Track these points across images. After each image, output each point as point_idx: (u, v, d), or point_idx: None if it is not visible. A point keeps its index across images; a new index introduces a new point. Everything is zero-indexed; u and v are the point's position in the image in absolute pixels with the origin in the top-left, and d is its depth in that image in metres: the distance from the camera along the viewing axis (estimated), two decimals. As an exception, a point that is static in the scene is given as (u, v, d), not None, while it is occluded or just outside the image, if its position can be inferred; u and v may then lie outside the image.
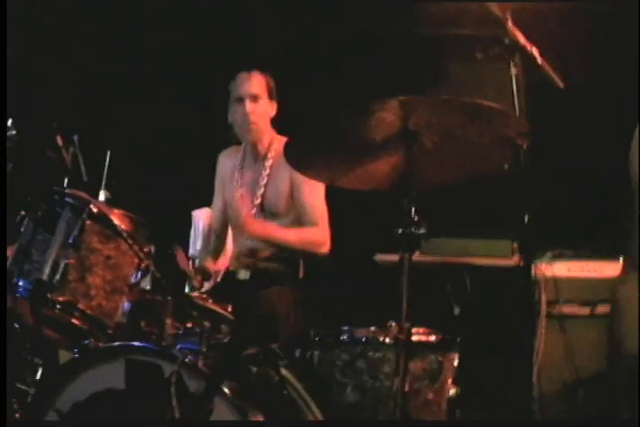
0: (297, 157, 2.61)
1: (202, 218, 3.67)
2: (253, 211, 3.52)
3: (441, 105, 2.45)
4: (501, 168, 2.68)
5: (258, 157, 3.59)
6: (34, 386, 3.06)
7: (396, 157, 2.54)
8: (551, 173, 3.83)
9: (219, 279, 3.48)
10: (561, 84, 3.06)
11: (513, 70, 3.00)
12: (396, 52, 4.35)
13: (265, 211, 3.53)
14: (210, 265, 3.54)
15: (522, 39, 2.95)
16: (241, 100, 3.53)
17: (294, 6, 4.46)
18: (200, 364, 2.58)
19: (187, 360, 2.55)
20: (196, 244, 3.34)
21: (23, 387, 3.09)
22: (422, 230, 2.51)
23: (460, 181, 2.72)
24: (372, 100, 2.38)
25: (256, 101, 3.52)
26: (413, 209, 2.50)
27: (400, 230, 2.50)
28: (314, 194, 3.47)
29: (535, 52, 2.99)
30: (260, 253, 3.48)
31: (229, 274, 3.50)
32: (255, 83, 3.54)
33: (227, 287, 3.39)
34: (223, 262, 3.63)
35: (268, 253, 3.48)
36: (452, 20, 4.12)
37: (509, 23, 2.93)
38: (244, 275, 3.48)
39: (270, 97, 3.56)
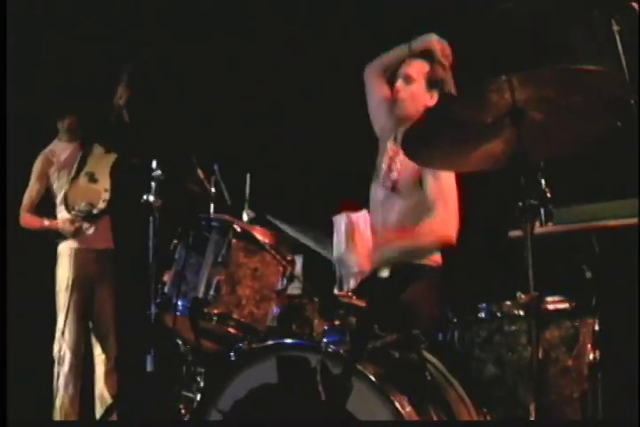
0: (415, 149, 2.79)
1: (342, 222, 3.94)
2: (385, 189, 3.74)
3: (544, 78, 2.55)
4: (615, 128, 2.69)
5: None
6: (199, 392, 3.33)
7: (508, 135, 2.67)
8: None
9: (363, 278, 3.71)
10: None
11: (615, 27, 3.06)
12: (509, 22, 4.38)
13: (397, 190, 3.72)
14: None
15: None
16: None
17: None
18: (342, 351, 2.79)
19: (329, 349, 2.77)
20: (339, 247, 3.61)
21: (190, 395, 3.40)
22: (548, 202, 2.65)
23: (574, 149, 2.81)
24: (480, 84, 2.54)
25: (408, 83, 3.75)
26: (543, 181, 2.65)
27: (520, 204, 2.65)
28: (436, 184, 3.58)
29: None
30: None
31: (372, 272, 3.61)
32: (413, 66, 3.77)
33: (370, 284, 3.62)
34: (366, 261, 3.84)
35: None
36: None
37: None
38: (384, 272, 3.64)
39: (428, 87, 3.74)
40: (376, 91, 4.02)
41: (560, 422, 2.76)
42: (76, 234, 4.96)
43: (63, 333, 4.88)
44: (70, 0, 5.27)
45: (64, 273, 4.93)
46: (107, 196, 4.97)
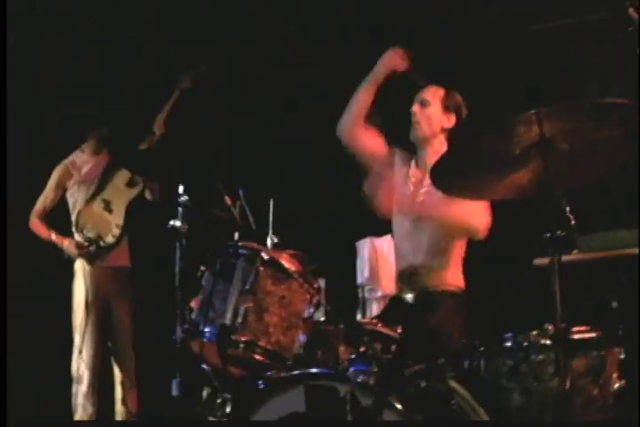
0: (443, 180, 2.84)
1: (365, 247, 3.97)
2: (409, 215, 3.74)
3: (572, 111, 2.62)
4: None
5: (426, 166, 3.72)
6: (225, 418, 3.38)
7: (535, 165, 2.72)
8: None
9: (386, 304, 3.73)
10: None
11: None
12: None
13: (424, 216, 3.70)
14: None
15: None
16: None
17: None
18: (371, 382, 2.80)
19: (359, 380, 2.79)
20: (363, 272, 3.64)
21: (215, 419, 3.42)
22: (572, 229, 2.67)
23: (598, 178, 2.83)
24: (509, 116, 2.59)
25: (424, 106, 3.77)
26: (568, 208, 2.67)
27: (548, 234, 2.68)
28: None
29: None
30: (420, 269, 3.65)
31: (396, 298, 3.70)
32: (431, 91, 3.79)
33: (394, 310, 3.63)
34: (390, 287, 3.86)
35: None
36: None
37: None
38: (409, 297, 3.67)
39: (444, 110, 3.77)
40: (370, 148, 3.89)
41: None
42: (83, 257, 4.95)
43: (80, 351, 4.88)
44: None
45: (80, 291, 4.92)
46: (117, 232, 4.94)
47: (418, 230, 3.73)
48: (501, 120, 2.67)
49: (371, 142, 3.88)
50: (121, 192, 5.04)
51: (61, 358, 5.03)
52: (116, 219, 4.96)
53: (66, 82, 5.28)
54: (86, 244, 4.89)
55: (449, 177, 2.84)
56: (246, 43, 5.12)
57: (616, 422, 2.92)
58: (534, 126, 2.63)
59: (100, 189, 5.03)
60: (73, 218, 5.06)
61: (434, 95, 3.78)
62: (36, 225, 5.08)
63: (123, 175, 5.06)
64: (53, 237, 5.01)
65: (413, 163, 3.86)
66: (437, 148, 3.74)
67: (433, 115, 3.76)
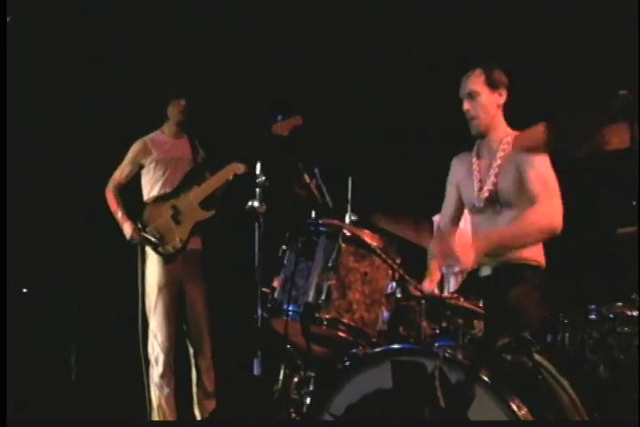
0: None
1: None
2: (481, 203, 3.72)
3: None
4: None
5: (491, 150, 3.78)
6: (308, 396, 3.36)
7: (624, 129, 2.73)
8: None
9: (464, 278, 3.72)
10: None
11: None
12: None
13: (499, 201, 3.69)
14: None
15: None
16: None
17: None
18: (459, 356, 2.82)
19: (446, 355, 2.79)
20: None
21: (300, 398, 3.39)
22: None
23: None
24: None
25: (473, 98, 3.75)
26: None
27: (633, 202, 2.68)
28: (537, 177, 3.56)
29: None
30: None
31: (473, 272, 3.67)
32: (471, 80, 3.77)
33: (473, 284, 3.62)
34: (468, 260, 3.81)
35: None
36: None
37: None
38: (486, 271, 3.68)
39: (492, 89, 3.75)
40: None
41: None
42: (138, 243, 4.99)
43: (155, 334, 4.94)
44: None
45: (153, 275, 4.99)
46: (179, 246, 4.94)
47: (493, 217, 3.73)
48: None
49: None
50: (192, 208, 5.01)
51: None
52: (181, 233, 4.96)
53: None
54: (145, 241, 4.94)
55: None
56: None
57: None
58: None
59: (175, 193, 5.04)
60: (145, 198, 5.11)
61: (476, 81, 3.75)
62: (110, 195, 5.13)
63: (198, 192, 5.02)
64: (119, 214, 5.06)
65: (474, 157, 3.85)
66: (500, 128, 3.77)
67: (485, 101, 3.74)
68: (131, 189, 5.16)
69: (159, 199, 5.03)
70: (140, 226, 4.96)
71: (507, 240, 3.51)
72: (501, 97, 3.76)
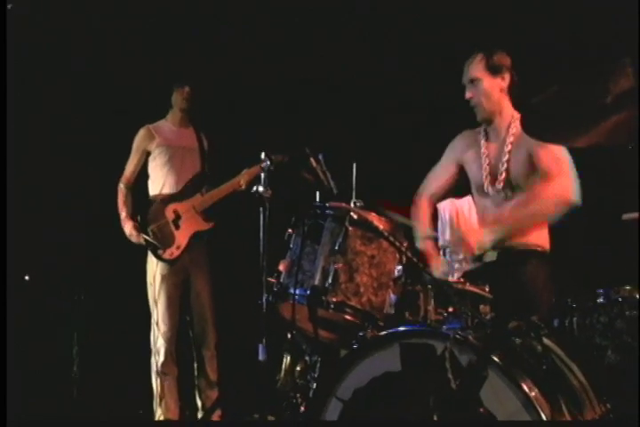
0: (536, 127, 2.75)
1: (446, 209, 3.93)
2: (495, 187, 3.69)
3: None
4: None
5: (499, 135, 3.75)
6: (314, 381, 3.35)
7: (627, 113, 2.62)
8: None
9: (468, 263, 3.69)
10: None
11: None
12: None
13: (511, 187, 3.67)
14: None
15: None
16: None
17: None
18: (470, 338, 2.79)
19: (457, 336, 2.76)
20: (444, 234, 3.60)
21: (304, 382, 3.40)
22: None
23: None
24: (602, 64, 2.53)
25: (475, 84, 3.73)
26: None
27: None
28: (548, 155, 3.53)
29: None
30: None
31: (478, 257, 3.60)
32: (472, 67, 3.75)
33: (479, 269, 3.59)
34: (472, 246, 3.80)
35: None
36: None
37: None
38: (490, 256, 3.62)
39: (494, 74, 3.72)
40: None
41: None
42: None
43: (158, 324, 4.92)
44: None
45: (153, 264, 4.95)
46: (176, 253, 4.90)
47: (503, 201, 3.71)
48: (595, 67, 2.62)
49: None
50: (192, 215, 4.99)
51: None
52: (180, 239, 4.92)
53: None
54: (144, 242, 4.90)
55: (542, 123, 2.74)
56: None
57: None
58: (628, 73, 2.54)
59: (178, 196, 5.01)
60: (150, 193, 5.09)
61: (476, 68, 3.73)
62: (119, 193, 5.11)
63: (201, 202, 5.00)
64: (123, 214, 5.04)
65: (482, 139, 3.82)
66: (506, 112, 3.75)
67: (487, 86, 3.72)
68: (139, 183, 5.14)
69: (164, 200, 5.00)
70: (140, 221, 4.94)
71: (520, 220, 3.51)
72: (504, 81, 3.73)
